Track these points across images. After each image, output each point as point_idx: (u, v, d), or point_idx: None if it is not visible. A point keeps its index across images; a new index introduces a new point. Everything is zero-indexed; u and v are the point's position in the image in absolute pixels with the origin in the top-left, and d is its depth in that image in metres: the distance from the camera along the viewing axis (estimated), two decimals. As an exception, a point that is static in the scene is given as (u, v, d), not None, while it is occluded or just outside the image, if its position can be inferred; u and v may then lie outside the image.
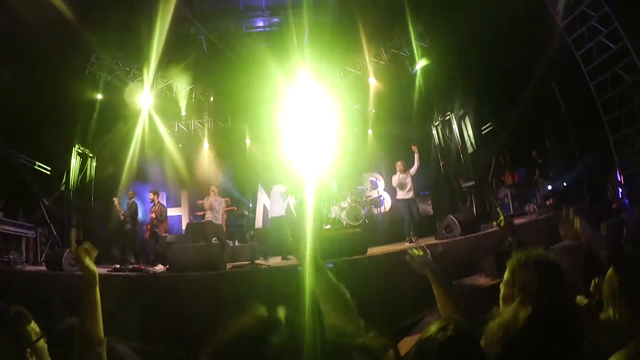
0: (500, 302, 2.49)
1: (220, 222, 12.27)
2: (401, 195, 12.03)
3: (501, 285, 2.52)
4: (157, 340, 7.68)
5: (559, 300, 2.24)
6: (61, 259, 9.54)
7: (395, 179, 12.14)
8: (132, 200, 13.26)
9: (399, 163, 12.18)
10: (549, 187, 12.85)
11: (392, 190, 14.34)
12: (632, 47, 10.24)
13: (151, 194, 12.87)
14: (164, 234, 12.81)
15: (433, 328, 1.94)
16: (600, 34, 10.78)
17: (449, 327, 1.90)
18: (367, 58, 15.43)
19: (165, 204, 17.17)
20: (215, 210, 12.13)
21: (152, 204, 12.72)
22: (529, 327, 2.09)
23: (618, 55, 10.61)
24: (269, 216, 12.82)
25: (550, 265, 2.39)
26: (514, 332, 2.11)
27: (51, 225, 14.08)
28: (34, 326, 2.64)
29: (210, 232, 11.64)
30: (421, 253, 3.13)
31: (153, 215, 12.34)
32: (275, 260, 11.86)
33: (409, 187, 11.92)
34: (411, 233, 11.92)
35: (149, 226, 12.33)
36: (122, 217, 13.06)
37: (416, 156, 12.27)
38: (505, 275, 2.49)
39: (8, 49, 12.01)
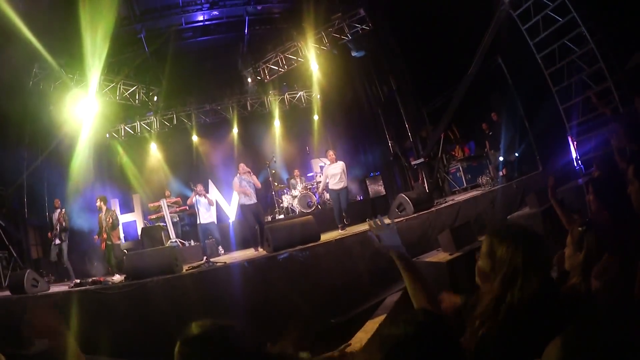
0: (477, 278, 2.36)
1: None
2: (331, 185, 12.03)
3: (478, 260, 2.35)
4: (127, 352, 7.60)
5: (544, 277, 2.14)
6: (22, 281, 9.07)
7: (326, 171, 12.15)
8: (59, 209, 12.75)
9: (330, 153, 12.15)
10: (501, 159, 13.11)
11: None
12: (580, 20, 10.57)
13: (99, 200, 11.88)
14: (118, 242, 11.95)
15: (400, 321, 1.58)
16: (547, 8, 11.05)
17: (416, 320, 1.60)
18: (309, 44, 15.34)
19: (119, 211, 16.95)
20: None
21: (101, 211, 11.79)
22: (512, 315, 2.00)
23: (565, 28, 10.93)
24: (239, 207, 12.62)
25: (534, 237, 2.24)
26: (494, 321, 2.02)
27: (10, 247, 13.45)
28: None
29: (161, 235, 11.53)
30: (385, 222, 2.60)
31: (110, 221, 11.48)
32: (235, 255, 11.86)
33: (339, 177, 11.93)
34: (339, 225, 11.85)
35: (104, 235, 11.49)
36: (49, 235, 12.66)
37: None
38: (483, 248, 2.33)
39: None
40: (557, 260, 3.20)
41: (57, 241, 12.41)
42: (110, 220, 11.46)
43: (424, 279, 2.43)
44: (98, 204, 11.77)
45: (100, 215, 11.74)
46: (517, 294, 2.06)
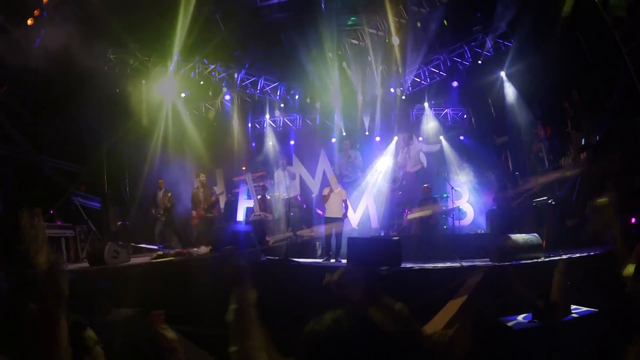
0: None
1: None
2: (409, 168, 11.89)
3: None
4: (204, 321, 7.76)
5: None
6: (103, 253, 9.62)
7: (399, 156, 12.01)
8: (164, 190, 13.48)
9: (401, 135, 11.99)
10: (583, 141, 12.47)
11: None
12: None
13: (201, 175, 13.22)
14: (217, 214, 13.14)
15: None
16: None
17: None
18: (389, 18, 14.97)
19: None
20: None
21: (202, 186, 12.95)
22: None
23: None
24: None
25: None
26: None
27: (88, 221, 14.15)
28: (90, 333, 2.71)
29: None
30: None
31: (212, 197, 12.81)
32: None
33: (412, 162, 11.76)
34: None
35: (202, 212, 12.40)
36: (155, 212, 13.40)
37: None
38: None
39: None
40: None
41: (163, 219, 13.22)
42: (213, 196, 12.86)
43: None
44: (201, 178, 12.99)
45: (195, 190, 12.94)
46: None
